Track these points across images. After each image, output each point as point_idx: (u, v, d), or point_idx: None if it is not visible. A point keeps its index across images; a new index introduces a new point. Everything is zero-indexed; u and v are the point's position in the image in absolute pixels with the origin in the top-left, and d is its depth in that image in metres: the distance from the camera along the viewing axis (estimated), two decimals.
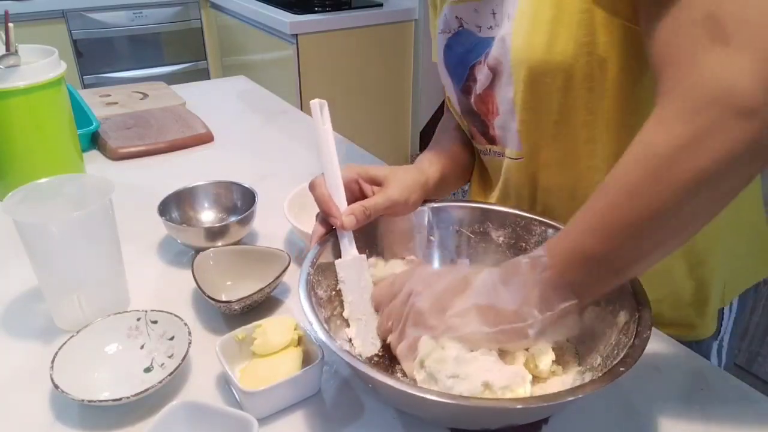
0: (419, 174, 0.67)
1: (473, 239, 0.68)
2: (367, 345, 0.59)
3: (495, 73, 0.64)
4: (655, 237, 0.45)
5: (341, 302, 0.61)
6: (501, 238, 0.67)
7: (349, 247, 0.61)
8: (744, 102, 0.40)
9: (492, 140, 0.71)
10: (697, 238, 0.53)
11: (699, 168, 0.41)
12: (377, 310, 0.60)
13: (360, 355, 0.58)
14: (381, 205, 0.62)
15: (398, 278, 0.59)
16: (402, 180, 0.64)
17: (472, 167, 0.80)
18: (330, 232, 0.62)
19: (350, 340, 0.59)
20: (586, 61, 0.57)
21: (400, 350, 0.55)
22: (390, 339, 0.57)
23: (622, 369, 0.45)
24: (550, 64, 0.58)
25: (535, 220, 0.64)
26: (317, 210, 0.63)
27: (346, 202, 0.61)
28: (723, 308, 0.76)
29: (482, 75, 0.66)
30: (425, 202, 0.68)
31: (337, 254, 0.62)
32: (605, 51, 0.56)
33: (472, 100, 0.70)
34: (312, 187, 0.62)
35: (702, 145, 0.41)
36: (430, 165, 0.71)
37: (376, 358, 0.59)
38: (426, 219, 0.68)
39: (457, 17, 0.68)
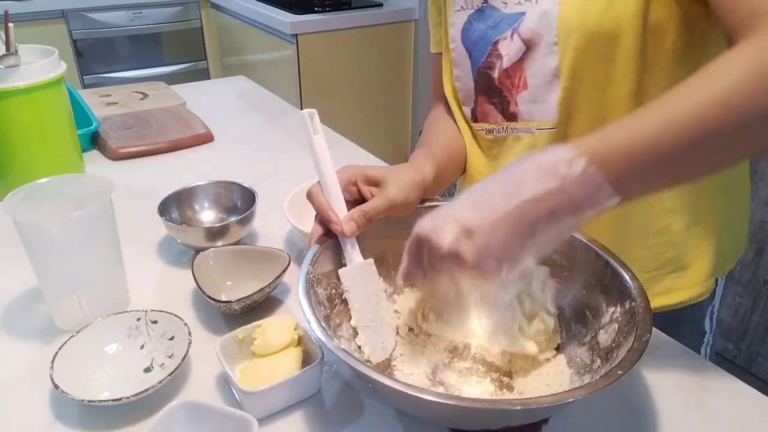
0: (416, 172, 0.67)
1: None
2: (377, 351, 0.59)
3: (529, 45, 0.65)
4: (716, 151, 0.47)
5: (342, 301, 0.61)
6: None
7: (352, 254, 0.61)
8: None
9: (512, 117, 0.71)
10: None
11: None
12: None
13: (369, 361, 0.58)
14: (380, 207, 0.61)
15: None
16: (400, 180, 0.64)
17: (464, 160, 0.80)
18: (329, 232, 0.62)
19: (359, 347, 0.59)
20: (639, 32, 0.59)
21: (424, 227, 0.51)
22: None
23: (620, 372, 0.45)
24: (602, 33, 0.60)
25: None
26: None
27: (345, 209, 0.61)
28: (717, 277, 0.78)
29: (512, 49, 0.67)
30: (424, 201, 0.68)
31: (338, 253, 0.62)
32: (659, 23, 0.59)
33: (496, 75, 0.70)
34: (309, 196, 0.62)
35: None
36: (425, 162, 0.70)
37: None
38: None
39: None
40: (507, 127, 0.73)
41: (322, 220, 0.61)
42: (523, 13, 0.65)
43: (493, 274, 0.48)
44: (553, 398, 0.45)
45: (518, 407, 0.44)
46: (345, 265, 0.61)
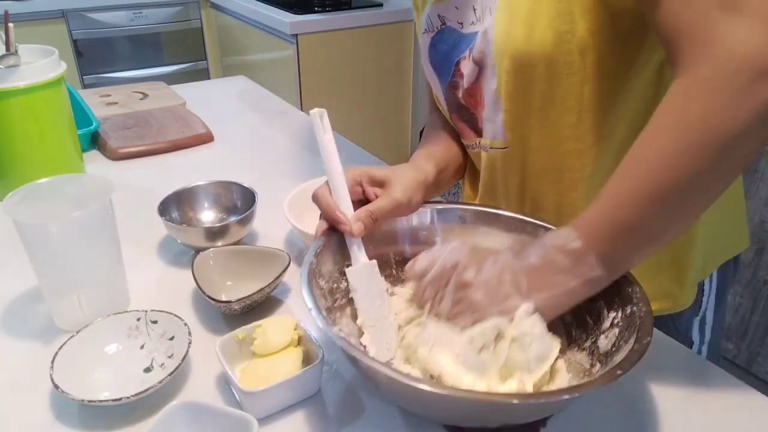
0: (418, 172, 0.67)
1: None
2: (382, 351, 0.59)
3: (480, 65, 0.66)
4: (688, 202, 0.49)
5: (343, 296, 0.61)
6: (506, 244, 0.66)
7: (358, 254, 0.61)
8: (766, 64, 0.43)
9: (481, 133, 0.72)
10: None
11: (732, 131, 0.44)
12: (418, 279, 0.60)
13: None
14: (386, 207, 0.62)
15: (436, 252, 0.60)
16: (404, 180, 0.64)
17: (465, 161, 0.81)
18: (334, 228, 0.62)
19: (365, 347, 0.59)
20: (566, 49, 0.58)
21: (443, 309, 0.57)
22: (428, 303, 0.59)
23: (619, 372, 0.45)
24: (530, 53, 0.60)
25: (541, 226, 0.64)
26: (319, 211, 0.63)
27: (352, 209, 0.61)
28: (703, 282, 0.77)
29: (468, 69, 0.67)
30: (427, 203, 0.68)
31: (341, 250, 0.62)
32: (585, 38, 0.58)
33: (460, 95, 0.71)
34: (316, 198, 0.62)
35: (734, 110, 0.44)
36: (426, 162, 0.71)
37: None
38: (429, 220, 0.68)
39: (439, 15, 0.69)
40: (478, 143, 0.73)
41: (329, 221, 0.61)
42: (476, 33, 0.65)
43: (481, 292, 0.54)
44: (552, 394, 0.45)
45: (516, 401, 0.44)
46: (350, 265, 0.61)
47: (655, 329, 0.50)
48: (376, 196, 0.63)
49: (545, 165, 0.67)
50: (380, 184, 0.64)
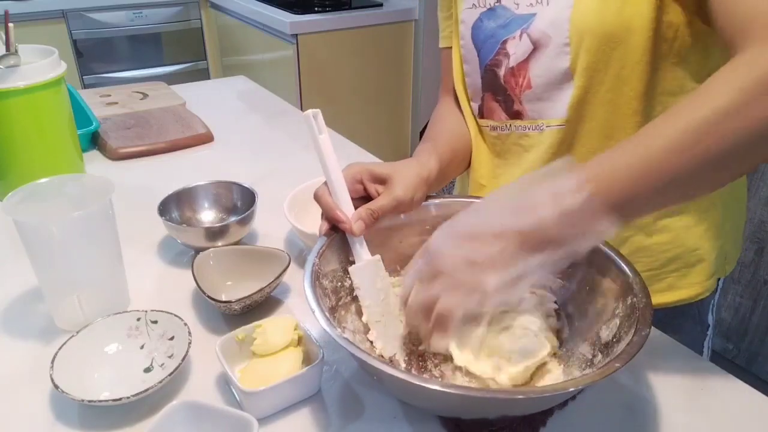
0: (421, 168, 0.67)
1: None
2: (389, 346, 0.59)
3: (537, 45, 0.66)
4: (729, 158, 0.47)
5: (347, 294, 0.61)
6: None
7: (361, 252, 0.61)
8: None
9: (516, 114, 0.72)
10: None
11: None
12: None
13: (381, 355, 0.58)
14: (387, 205, 0.62)
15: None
16: (406, 177, 0.64)
17: (469, 155, 0.81)
18: (336, 227, 0.62)
19: (371, 342, 0.59)
20: (650, 35, 0.60)
21: (410, 306, 0.55)
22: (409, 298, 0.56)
23: (617, 365, 0.45)
24: (616, 35, 0.61)
25: None
26: (320, 210, 0.63)
27: (352, 207, 0.61)
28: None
29: (519, 48, 0.68)
30: (428, 198, 0.68)
31: (344, 248, 0.62)
32: (671, 27, 0.60)
33: (502, 74, 0.71)
34: (316, 197, 0.62)
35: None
36: (429, 157, 0.71)
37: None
38: (430, 215, 0.68)
39: None
40: (510, 125, 0.73)
41: (330, 220, 0.61)
42: (534, 15, 0.66)
43: (490, 286, 0.49)
44: (552, 388, 0.46)
45: (520, 396, 0.45)
46: (353, 262, 0.62)
47: (654, 329, 0.50)
48: (378, 194, 0.63)
49: (595, 150, 0.68)
50: (382, 181, 0.64)
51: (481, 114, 0.77)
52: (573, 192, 0.48)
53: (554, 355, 0.58)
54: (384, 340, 0.59)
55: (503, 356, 0.53)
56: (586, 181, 0.48)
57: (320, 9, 2.43)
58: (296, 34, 2.30)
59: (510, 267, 0.49)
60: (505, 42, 0.69)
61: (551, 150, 0.70)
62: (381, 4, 2.57)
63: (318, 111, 0.61)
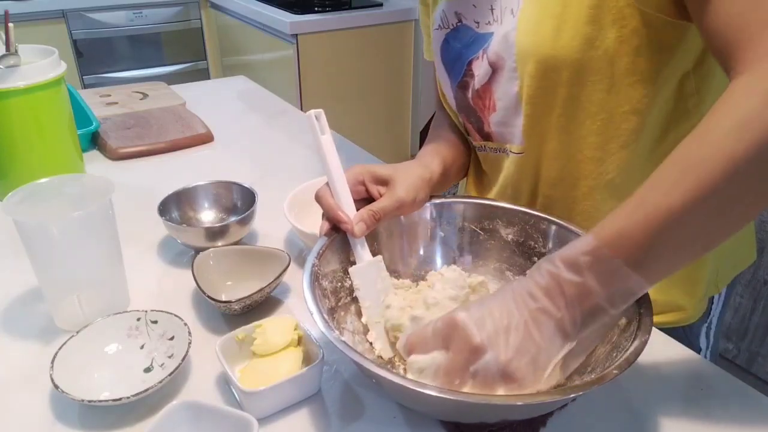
0: (424, 170, 0.67)
1: (481, 236, 0.68)
2: (388, 347, 0.59)
3: (495, 68, 0.65)
4: (742, 202, 0.44)
5: (347, 294, 0.61)
6: (510, 236, 0.67)
7: (362, 253, 0.61)
8: None
9: (487, 137, 0.71)
10: None
11: None
12: (410, 353, 0.53)
13: (380, 356, 0.59)
14: (389, 207, 0.62)
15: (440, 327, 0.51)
16: (408, 179, 0.64)
17: (470, 159, 0.81)
18: (337, 227, 0.62)
19: (371, 343, 0.59)
20: (593, 56, 0.57)
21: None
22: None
23: (615, 372, 0.45)
24: (556, 58, 0.58)
25: (544, 218, 0.64)
26: (320, 211, 0.63)
27: (354, 209, 0.61)
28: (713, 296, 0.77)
29: (481, 70, 0.66)
30: (431, 197, 0.68)
31: (345, 248, 0.62)
32: (614, 46, 0.56)
33: (470, 95, 0.70)
34: (318, 198, 0.62)
35: None
36: (432, 159, 0.71)
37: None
38: (429, 215, 0.68)
39: (456, 12, 0.69)
40: (485, 146, 0.73)
41: (331, 221, 0.61)
42: (492, 34, 0.64)
43: (525, 378, 0.46)
44: (551, 394, 0.46)
45: (519, 402, 0.44)
46: (354, 263, 0.62)
47: (655, 329, 0.50)
48: (380, 195, 0.63)
49: (561, 172, 0.66)
50: (384, 182, 0.64)
51: (466, 131, 0.77)
52: (587, 256, 0.46)
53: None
54: (383, 341, 0.59)
55: None
56: (597, 246, 0.45)
57: (320, 9, 2.43)
58: (296, 34, 2.30)
59: (548, 361, 0.47)
60: (470, 62, 0.68)
61: (517, 175, 0.70)
62: (381, 4, 2.57)
63: (321, 111, 0.61)
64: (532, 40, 0.59)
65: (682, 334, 0.74)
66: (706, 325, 0.78)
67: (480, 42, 0.66)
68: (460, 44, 0.69)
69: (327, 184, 0.62)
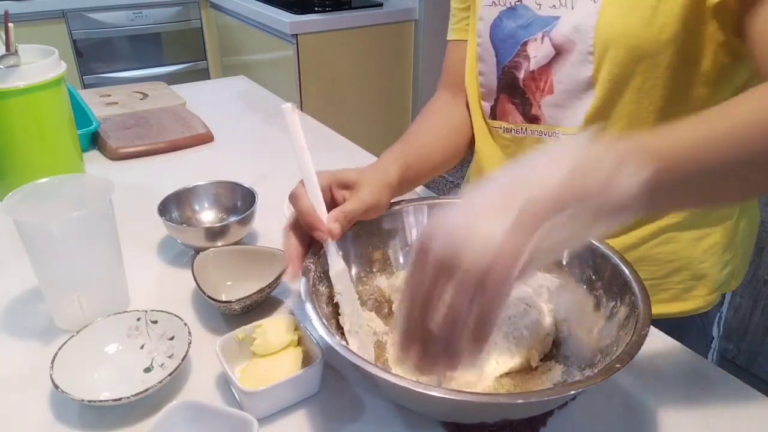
0: (383, 174, 0.65)
1: None
2: (365, 356, 0.58)
3: (560, 51, 0.65)
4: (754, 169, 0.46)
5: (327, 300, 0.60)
6: None
7: (336, 258, 0.59)
8: None
9: (534, 119, 0.71)
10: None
11: None
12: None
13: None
14: (357, 210, 0.60)
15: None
16: (371, 182, 0.63)
17: (463, 148, 0.80)
18: (308, 247, 0.60)
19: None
20: (677, 50, 0.59)
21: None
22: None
23: (618, 366, 0.45)
24: (642, 48, 0.60)
25: None
26: None
27: (326, 211, 0.59)
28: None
29: (541, 52, 0.66)
30: (399, 202, 0.67)
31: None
32: (698, 45, 0.59)
33: (521, 76, 0.70)
34: (294, 198, 0.59)
35: None
36: (392, 163, 0.68)
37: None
38: (403, 220, 0.67)
39: None
40: (526, 129, 0.72)
41: (306, 225, 0.58)
42: (558, 18, 0.64)
43: (508, 268, 0.38)
44: (552, 391, 0.46)
45: (519, 401, 0.44)
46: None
47: (653, 328, 0.50)
48: (344, 199, 0.62)
49: None
50: (348, 186, 0.62)
51: (494, 115, 0.75)
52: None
53: (535, 369, 0.58)
54: (362, 352, 0.58)
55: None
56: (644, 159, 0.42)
57: (320, 9, 2.43)
58: (296, 34, 2.30)
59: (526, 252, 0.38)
60: (525, 44, 0.67)
61: None
62: (381, 4, 2.57)
63: (295, 105, 0.60)
64: (621, 27, 0.60)
65: (700, 323, 0.76)
66: (719, 312, 0.79)
67: (539, 24, 0.66)
68: (515, 24, 0.68)
69: (301, 182, 0.60)
